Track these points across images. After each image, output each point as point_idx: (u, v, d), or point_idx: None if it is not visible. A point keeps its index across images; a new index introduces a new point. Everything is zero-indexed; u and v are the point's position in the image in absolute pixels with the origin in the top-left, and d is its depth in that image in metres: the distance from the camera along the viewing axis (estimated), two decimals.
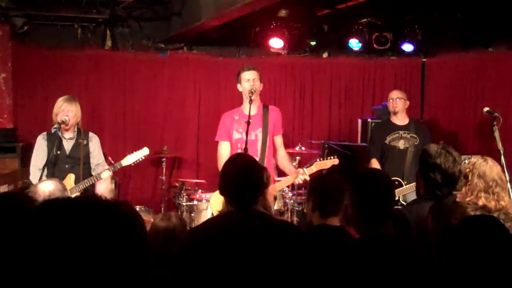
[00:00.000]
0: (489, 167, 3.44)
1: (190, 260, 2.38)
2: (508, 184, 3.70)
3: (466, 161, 4.96)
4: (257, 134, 4.89)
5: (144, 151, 5.10)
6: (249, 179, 2.58)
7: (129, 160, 5.04)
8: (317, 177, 3.43)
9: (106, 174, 4.86)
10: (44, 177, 4.67)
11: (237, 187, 2.56)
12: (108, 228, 1.04)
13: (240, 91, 4.97)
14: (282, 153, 5.08)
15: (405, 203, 5.16)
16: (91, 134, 5.12)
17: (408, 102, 5.92)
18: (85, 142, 4.97)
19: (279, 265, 2.08)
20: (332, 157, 5.25)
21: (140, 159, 5.09)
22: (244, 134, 4.71)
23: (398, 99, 5.80)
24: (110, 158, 5.13)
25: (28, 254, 0.99)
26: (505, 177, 3.56)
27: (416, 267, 2.23)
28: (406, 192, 5.50)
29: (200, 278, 2.35)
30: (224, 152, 4.92)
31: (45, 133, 5.01)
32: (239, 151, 4.83)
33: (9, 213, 1.09)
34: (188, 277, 2.37)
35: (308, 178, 4.81)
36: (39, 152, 4.92)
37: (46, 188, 3.55)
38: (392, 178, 5.56)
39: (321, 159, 5.03)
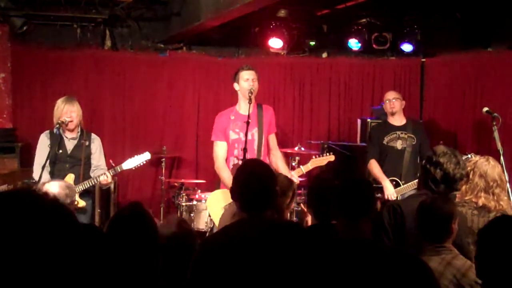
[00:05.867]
0: (491, 167, 3.43)
1: (204, 272, 2.34)
2: (507, 185, 3.69)
3: (468, 156, 4.99)
4: (253, 133, 4.84)
5: (145, 156, 5.09)
6: (261, 185, 2.54)
7: (130, 163, 5.04)
8: (314, 180, 3.47)
9: (103, 178, 4.85)
10: (45, 176, 4.67)
11: (249, 193, 2.52)
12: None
13: (237, 90, 4.91)
14: (276, 153, 5.04)
15: None
16: (93, 135, 5.11)
17: (404, 102, 5.94)
18: (87, 143, 4.97)
19: (291, 271, 2.10)
20: (327, 154, 5.27)
21: (141, 164, 5.09)
22: (241, 134, 4.68)
23: (394, 100, 5.81)
24: (111, 161, 5.12)
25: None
26: (505, 177, 3.56)
27: (384, 272, 2.23)
28: (404, 191, 5.52)
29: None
30: (220, 152, 4.88)
31: (48, 131, 5.00)
32: (236, 151, 4.81)
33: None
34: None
35: (298, 178, 4.81)
36: (42, 150, 4.92)
37: (51, 190, 3.53)
38: (390, 178, 5.60)
39: (316, 156, 5.04)
